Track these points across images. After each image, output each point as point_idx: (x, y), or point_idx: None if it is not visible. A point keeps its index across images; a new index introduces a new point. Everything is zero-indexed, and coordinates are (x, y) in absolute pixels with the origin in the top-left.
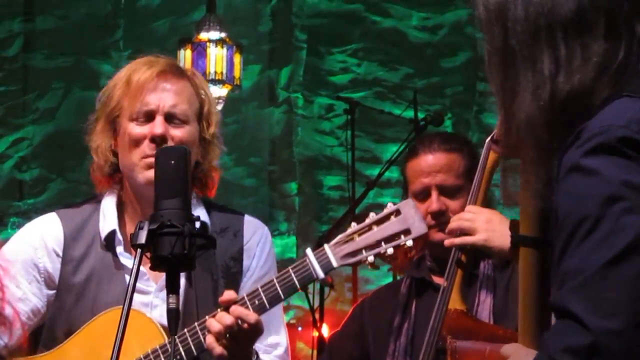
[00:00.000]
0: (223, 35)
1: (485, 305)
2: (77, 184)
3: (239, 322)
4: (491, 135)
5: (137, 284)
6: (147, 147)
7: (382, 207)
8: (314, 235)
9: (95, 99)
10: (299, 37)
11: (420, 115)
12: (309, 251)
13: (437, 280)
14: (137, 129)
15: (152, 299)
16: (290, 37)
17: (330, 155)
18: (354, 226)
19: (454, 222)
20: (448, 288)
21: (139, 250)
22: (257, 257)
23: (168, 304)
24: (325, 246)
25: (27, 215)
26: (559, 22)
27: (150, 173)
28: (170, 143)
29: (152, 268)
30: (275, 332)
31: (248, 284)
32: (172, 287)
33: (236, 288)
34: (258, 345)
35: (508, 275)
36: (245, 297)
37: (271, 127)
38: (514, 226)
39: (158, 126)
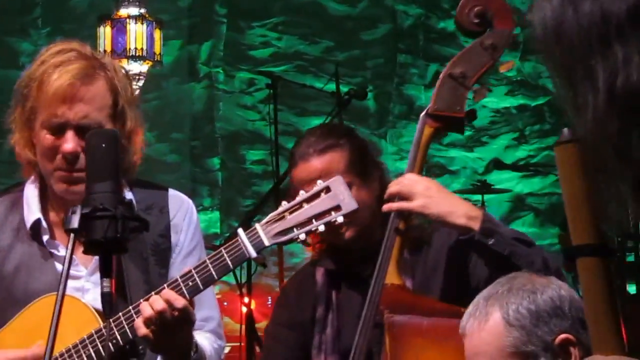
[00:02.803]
0: (143, 11)
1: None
2: (1, 165)
3: (169, 306)
4: (426, 110)
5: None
6: (59, 161)
7: None
8: (237, 210)
9: (14, 78)
10: (219, 11)
11: (343, 89)
12: (240, 231)
13: (352, 271)
14: (48, 140)
15: (83, 284)
16: (211, 12)
17: (253, 129)
18: (284, 204)
19: (393, 187)
20: (385, 260)
21: (72, 235)
22: (184, 232)
23: (102, 287)
24: (257, 225)
25: None
26: (613, 24)
27: (70, 188)
28: (81, 155)
29: (85, 252)
30: (207, 307)
31: (178, 259)
32: (105, 270)
33: (166, 264)
34: None
35: (424, 257)
36: (179, 279)
37: (192, 102)
38: (563, 239)
39: (68, 142)
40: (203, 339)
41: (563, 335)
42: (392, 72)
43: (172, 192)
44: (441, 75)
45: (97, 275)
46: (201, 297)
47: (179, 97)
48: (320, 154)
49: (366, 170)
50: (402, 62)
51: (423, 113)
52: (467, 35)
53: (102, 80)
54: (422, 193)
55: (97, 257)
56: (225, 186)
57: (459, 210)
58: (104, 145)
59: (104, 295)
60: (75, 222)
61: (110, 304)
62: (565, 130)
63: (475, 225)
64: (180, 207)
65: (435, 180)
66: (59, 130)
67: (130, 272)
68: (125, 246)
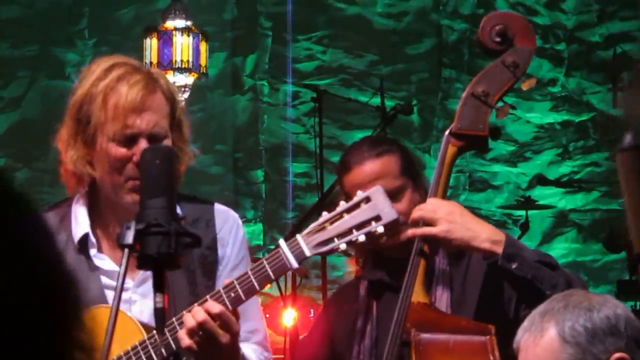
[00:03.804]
0: (189, 23)
1: (442, 301)
2: (43, 173)
3: (211, 317)
4: (449, 129)
5: (115, 282)
6: (131, 171)
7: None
8: (280, 223)
9: (60, 88)
10: (264, 24)
11: (387, 103)
12: (282, 242)
13: (393, 282)
14: (119, 152)
15: (130, 295)
16: (255, 25)
17: (296, 142)
18: (325, 215)
19: (416, 213)
20: (411, 280)
21: (126, 250)
22: (230, 245)
23: (155, 302)
24: (298, 236)
25: None
26: None
27: (136, 196)
28: None
29: (139, 267)
30: (253, 319)
31: (224, 272)
32: (158, 286)
33: (212, 277)
34: None
35: (464, 269)
36: (221, 290)
37: (237, 114)
38: (627, 246)
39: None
40: (250, 351)
41: (618, 355)
42: (436, 87)
43: (219, 206)
44: (464, 94)
45: (144, 287)
46: (247, 309)
47: (223, 109)
48: (376, 158)
49: (417, 175)
50: (447, 77)
51: (446, 132)
52: (488, 53)
53: (160, 91)
54: (445, 218)
55: (143, 270)
56: (269, 198)
57: (482, 235)
58: (158, 161)
59: (157, 311)
60: (129, 237)
61: (163, 319)
62: (628, 136)
63: (498, 249)
64: (227, 220)
65: (458, 204)
66: (130, 141)
67: (176, 284)
68: (178, 262)
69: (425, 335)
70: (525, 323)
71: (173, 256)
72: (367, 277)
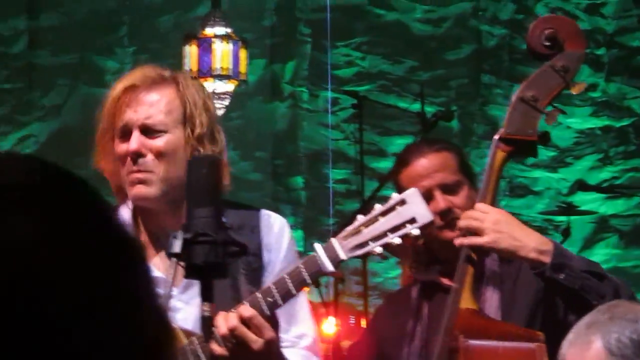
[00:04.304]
0: (228, 30)
1: (492, 302)
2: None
3: (243, 323)
4: (498, 134)
5: (159, 290)
6: (128, 164)
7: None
8: (320, 229)
9: (100, 96)
10: (303, 31)
11: (427, 109)
12: (317, 245)
13: (446, 282)
14: (120, 147)
15: (175, 303)
16: (294, 32)
17: (336, 148)
18: (360, 218)
19: (463, 221)
20: (458, 287)
21: (174, 260)
22: (276, 250)
23: (203, 312)
24: (333, 240)
25: None
26: None
27: (136, 190)
28: (149, 155)
29: (186, 276)
30: (302, 324)
31: (270, 278)
32: (206, 295)
33: (257, 283)
34: (284, 338)
35: (516, 269)
36: (258, 295)
37: (276, 121)
38: None
39: (132, 142)
40: (298, 356)
41: None
42: (476, 93)
43: (265, 212)
44: (513, 99)
45: (188, 294)
46: (296, 313)
47: (262, 116)
48: (435, 152)
49: (473, 175)
50: (486, 83)
51: (495, 137)
52: (537, 57)
53: (171, 88)
54: (491, 228)
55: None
56: (308, 205)
57: (529, 245)
58: (204, 170)
59: (204, 320)
60: (177, 246)
61: (210, 328)
62: None
63: (546, 260)
64: (273, 225)
65: (506, 212)
66: (127, 135)
67: (219, 291)
68: (226, 271)
69: (473, 342)
70: (571, 335)
71: (220, 265)
72: (419, 278)
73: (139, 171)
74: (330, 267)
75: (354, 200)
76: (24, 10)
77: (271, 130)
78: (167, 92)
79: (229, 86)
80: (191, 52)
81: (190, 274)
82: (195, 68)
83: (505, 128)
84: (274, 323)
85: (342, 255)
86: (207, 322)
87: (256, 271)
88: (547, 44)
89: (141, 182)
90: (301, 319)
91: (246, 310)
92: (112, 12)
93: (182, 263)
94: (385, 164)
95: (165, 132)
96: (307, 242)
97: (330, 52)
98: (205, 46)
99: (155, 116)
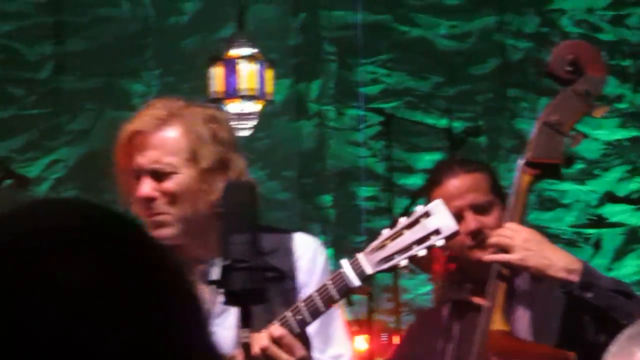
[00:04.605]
0: (254, 51)
1: (523, 321)
2: (113, 205)
3: (274, 342)
4: (524, 158)
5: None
6: (143, 208)
7: None
8: (350, 247)
9: (127, 119)
10: (328, 49)
11: (454, 125)
12: (343, 261)
13: (478, 301)
14: (133, 188)
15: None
16: (319, 50)
17: (364, 166)
18: (385, 233)
19: (494, 239)
20: (489, 307)
21: (212, 287)
22: (310, 273)
23: (242, 338)
24: (358, 255)
25: None
26: None
27: (154, 233)
28: (161, 199)
29: (225, 303)
30: (338, 344)
31: None
32: (245, 321)
33: (291, 306)
34: (320, 358)
35: (547, 289)
36: (287, 315)
37: (303, 140)
38: None
39: (143, 188)
40: None
41: None
42: (502, 107)
43: (299, 235)
44: (537, 124)
45: (222, 318)
46: (332, 333)
47: (289, 135)
48: (467, 173)
49: (505, 197)
50: (513, 96)
51: (521, 161)
52: (558, 82)
53: (179, 127)
54: (521, 246)
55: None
56: (337, 223)
57: (558, 264)
58: (240, 197)
59: (244, 346)
60: (215, 274)
61: (250, 355)
62: None
63: (575, 278)
64: (306, 247)
65: (536, 231)
66: (137, 178)
67: (254, 314)
68: (264, 297)
69: None
70: (613, 348)
71: (259, 291)
72: (450, 297)
73: (153, 214)
74: (356, 281)
75: (384, 217)
76: (50, 35)
77: (298, 149)
78: (173, 131)
79: (256, 106)
80: (217, 73)
81: (229, 300)
82: (221, 89)
83: (531, 152)
84: (305, 341)
85: (369, 270)
86: (247, 349)
87: (290, 293)
88: (569, 69)
89: (157, 225)
90: (337, 339)
91: (277, 329)
92: (137, 35)
93: (221, 290)
94: (413, 181)
95: (174, 173)
96: (337, 259)
97: (357, 70)
98: (230, 67)
99: (162, 159)
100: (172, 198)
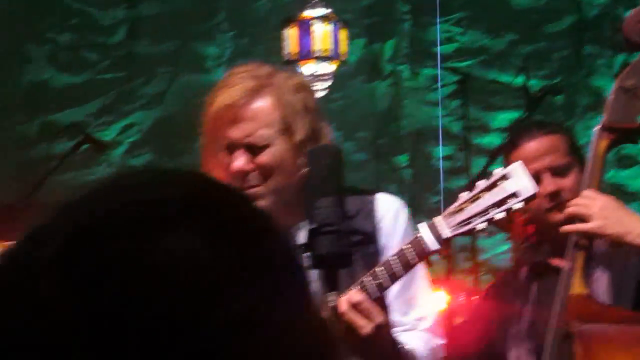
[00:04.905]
0: (327, 11)
1: (601, 283)
2: (189, 167)
3: (352, 307)
4: (601, 123)
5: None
6: (236, 180)
7: None
8: (426, 207)
9: (201, 82)
10: (402, 9)
11: (531, 83)
12: (421, 225)
13: (556, 263)
14: (225, 161)
15: None
16: (393, 10)
17: (439, 126)
18: (463, 196)
19: (570, 208)
20: (568, 273)
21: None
22: (392, 235)
23: (328, 302)
24: (436, 218)
25: None
26: None
27: None
28: (254, 172)
29: (312, 267)
30: (420, 306)
31: None
32: (332, 285)
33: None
34: (404, 321)
35: (625, 252)
36: (365, 279)
37: (378, 100)
38: None
39: (237, 161)
40: (417, 339)
41: None
42: (578, 64)
43: (381, 196)
44: (613, 88)
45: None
46: (414, 296)
47: (363, 96)
48: (545, 135)
49: (583, 159)
50: (589, 54)
51: (597, 127)
52: (634, 47)
53: (269, 97)
54: (598, 214)
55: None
56: (413, 183)
57: (636, 230)
58: (324, 161)
59: (332, 310)
60: (302, 238)
61: (337, 318)
62: None
63: None
64: (389, 209)
65: (613, 198)
66: (230, 151)
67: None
68: (350, 260)
69: (587, 327)
70: None
71: (345, 255)
72: (528, 259)
73: (246, 187)
74: (434, 245)
75: (460, 177)
76: (123, 0)
77: (373, 109)
78: (265, 103)
79: (330, 67)
80: (290, 35)
81: (315, 264)
82: (295, 51)
83: (607, 117)
84: (383, 306)
85: (446, 233)
86: (334, 312)
87: (373, 256)
88: None
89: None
90: (420, 301)
91: (355, 295)
92: None
93: (307, 254)
94: (489, 140)
95: (269, 145)
96: (414, 220)
97: (431, 29)
98: (304, 28)
99: (257, 132)
100: (266, 171)
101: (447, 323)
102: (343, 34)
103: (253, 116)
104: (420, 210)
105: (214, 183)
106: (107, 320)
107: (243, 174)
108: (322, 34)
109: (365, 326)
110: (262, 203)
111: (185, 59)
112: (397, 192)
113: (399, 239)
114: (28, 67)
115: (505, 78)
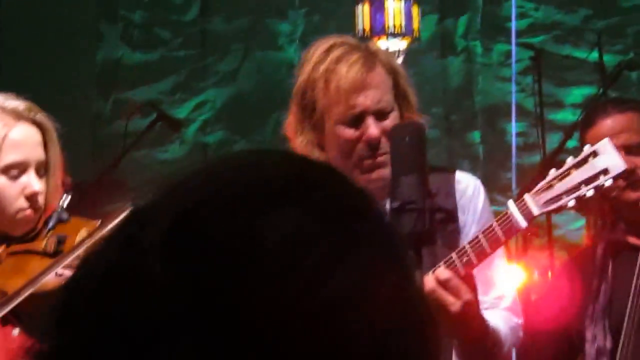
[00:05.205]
0: None
1: None
2: (261, 145)
3: (440, 284)
4: None
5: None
6: (362, 151)
7: (570, 152)
8: (500, 184)
9: (273, 59)
10: None
11: (606, 58)
12: (510, 202)
13: (632, 241)
14: (347, 133)
15: None
16: None
17: (512, 102)
18: (552, 173)
19: None
20: None
21: None
22: (471, 213)
23: None
24: (526, 195)
25: None
26: None
27: (377, 174)
28: (383, 139)
29: None
30: (500, 284)
31: (465, 240)
32: (415, 264)
33: (454, 247)
34: (484, 299)
35: None
36: (453, 256)
37: (450, 77)
38: None
39: (372, 129)
40: (497, 318)
41: None
42: None
43: (460, 174)
44: None
45: None
46: (493, 274)
47: (436, 72)
48: (621, 112)
49: None
50: None
51: None
52: None
53: (380, 65)
54: None
55: None
56: (486, 160)
57: None
58: (407, 138)
59: None
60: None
61: None
62: None
63: None
64: (467, 187)
65: None
66: (357, 121)
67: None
68: (434, 238)
69: None
70: None
71: (428, 233)
72: (605, 236)
73: (379, 155)
74: (523, 223)
75: (533, 153)
76: None
77: (446, 86)
78: (381, 70)
79: (402, 44)
80: (363, 11)
81: None
82: (368, 27)
83: None
84: (471, 284)
85: (535, 211)
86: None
87: (452, 234)
88: None
89: (380, 165)
90: (500, 279)
91: (443, 272)
92: None
93: None
94: (563, 116)
95: (392, 111)
96: (487, 196)
97: (504, 4)
98: (377, 5)
99: (384, 99)
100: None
101: (523, 300)
102: (415, 10)
103: (378, 83)
104: (493, 187)
105: (312, 162)
106: (218, 298)
107: (377, 141)
108: (395, 10)
109: (454, 303)
110: (387, 171)
111: (257, 36)
112: (470, 169)
113: (478, 217)
114: (101, 46)
115: (579, 53)
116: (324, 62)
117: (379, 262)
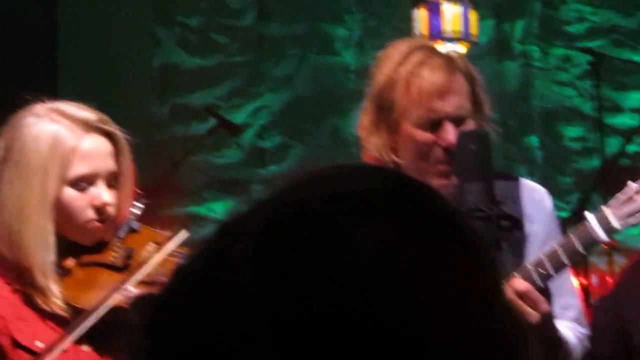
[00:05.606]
0: None
1: None
2: (318, 149)
3: (518, 295)
4: None
5: None
6: (439, 155)
7: (630, 156)
8: (558, 188)
9: (330, 63)
10: None
11: None
12: (589, 214)
13: None
14: (425, 137)
15: None
16: None
17: (570, 106)
18: (631, 185)
19: None
20: None
21: None
22: (538, 221)
23: None
24: (604, 208)
25: (270, 182)
26: None
27: (446, 181)
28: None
29: None
30: (566, 295)
31: (532, 249)
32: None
33: (520, 255)
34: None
35: None
36: (529, 267)
37: (507, 81)
38: None
39: (450, 135)
40: (565, 328)
41: None
42: None
43: (525, 182)
44: None
45: None
46: (559, 284)
47: (493, 76)
48: None
49: None
50: None
51: None
52: None
53: (460, 72)
54: None
55: None
56: (544, 164)
57: None
58: (472, 145)
59: None
60: None
61: None
62: None
63: None
64: (533, 196)
65: None
66: (435, 126)
67: None
68: (500, 246)
69: None
70: None
71: (495, 241)
72: None
73: (450, 163)
74: (604, 236)
75: (592, 158)
76: None
77: (503, 90)
78: (461, 76)
79: (460, 48)
80: (421, 15)
81: None
82: (425, 32)
83: None
84: (547, 296)
85: (616, 224)
86: None
87: (519, 242)
88: None
89: (449, 174)
90: (565, 290)
91: (520, 283)
92: None
93: None
94: (622, 120)
95: (469, 118)
96: None
97: (562, 8)
98: (434, 9)
99: (463, 105)
100: None
101: (582, 305)
102: (473, 15)
103: (459, 89)
104: (551, 192)
105: (400, 174)
106: (307, 311)
107: (450, 148)
108: (452, 15)
109: (532, 315)
110: (455, 179)
111: (314, 40)
112: (528, 174)
113: (545, 226)
114: (158, 51)
115: (638, 57)
116: (405, 64)
117: (473, 270)
